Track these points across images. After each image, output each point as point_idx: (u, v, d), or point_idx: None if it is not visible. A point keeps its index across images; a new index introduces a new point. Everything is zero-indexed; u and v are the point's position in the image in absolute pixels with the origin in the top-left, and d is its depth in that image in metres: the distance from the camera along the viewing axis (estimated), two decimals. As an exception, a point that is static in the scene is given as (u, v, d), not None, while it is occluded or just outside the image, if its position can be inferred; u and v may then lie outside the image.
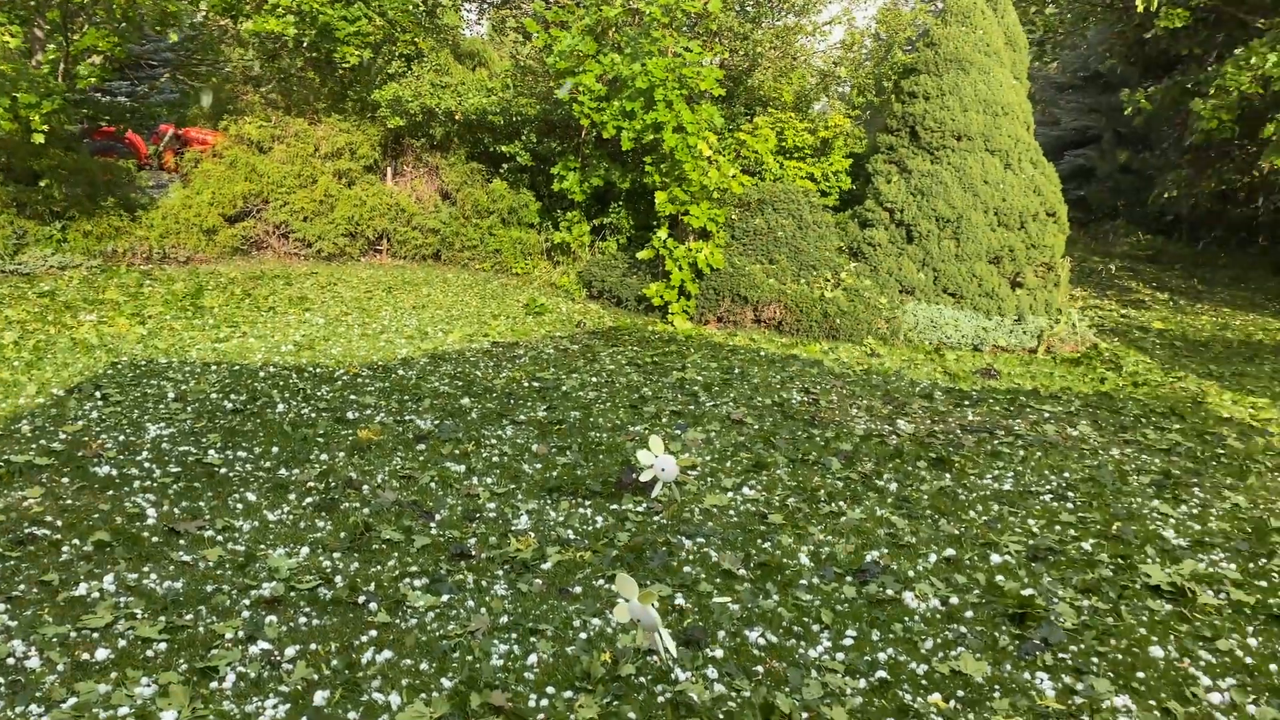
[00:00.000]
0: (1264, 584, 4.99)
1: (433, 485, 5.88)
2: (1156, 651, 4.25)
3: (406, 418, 7.15)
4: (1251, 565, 5.23)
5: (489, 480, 6.00)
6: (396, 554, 4.89)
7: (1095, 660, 4.16)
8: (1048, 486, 6.37)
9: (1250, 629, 4.50)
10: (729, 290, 11.29)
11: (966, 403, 8.50)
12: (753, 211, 11.76)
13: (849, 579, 4.83)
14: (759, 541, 5.24)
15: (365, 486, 5.76)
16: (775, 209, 11.74)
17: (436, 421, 7.09)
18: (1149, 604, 4.69)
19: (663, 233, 11.41)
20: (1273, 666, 4.18)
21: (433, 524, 5.29)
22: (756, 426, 7.38)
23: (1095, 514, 5.89)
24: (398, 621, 4.22)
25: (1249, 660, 4.22)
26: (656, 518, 5.51)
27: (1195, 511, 6.03)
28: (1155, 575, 4.93)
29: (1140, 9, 12.73)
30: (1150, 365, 10.48)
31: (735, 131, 13.41)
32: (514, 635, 4.14)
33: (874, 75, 14.03)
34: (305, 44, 13.23)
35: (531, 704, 3.65)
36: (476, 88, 13.42)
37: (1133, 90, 15.59)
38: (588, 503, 5.70)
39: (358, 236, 13.88)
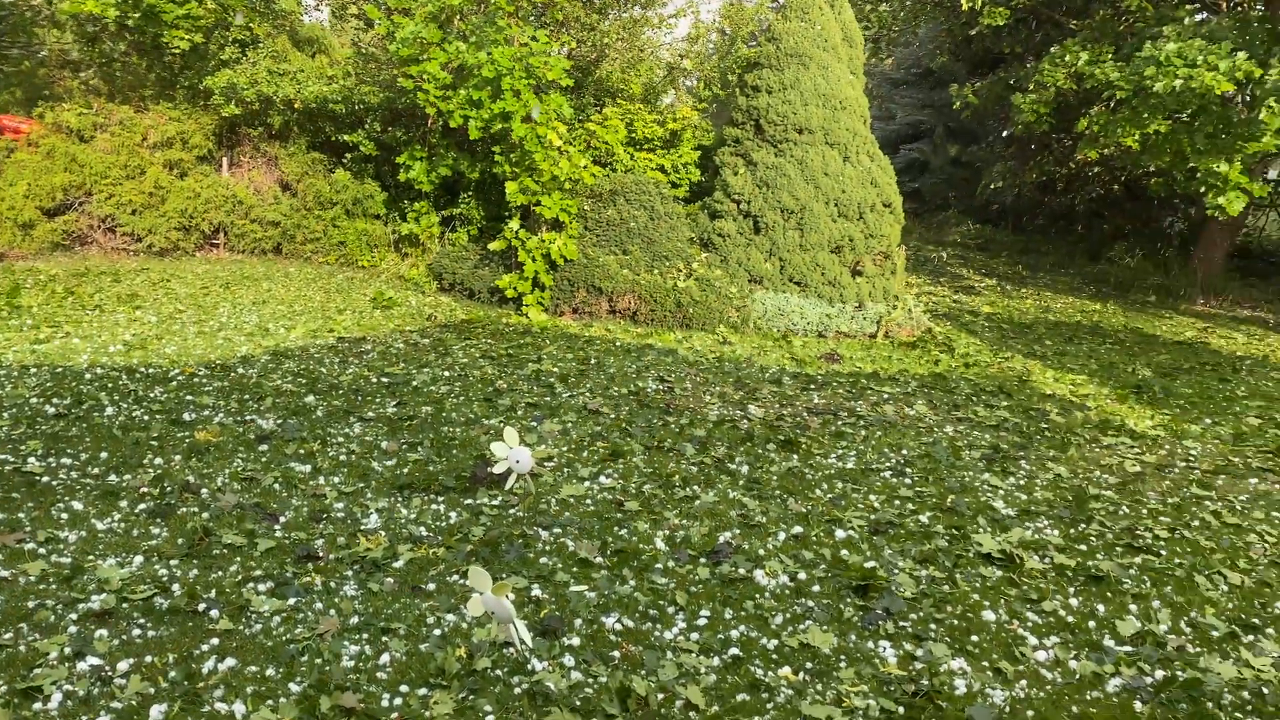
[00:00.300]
0: (1083, 547, 5.36)
1: (277, 486, 5.66)
2: (989, 615, 4.50)
3: (248, 418, 6.87)
4: (1072, 530, 5.60)
5: (336, 479, 5.83)
6: (239, 559, 4.69)
7: (933, 627, 4.37)
8: (887, 464, 6.65)
9: (1071, 590, 4.83)
10: (584, 281, 11.31)
11: (812, 387, 8.79)
12: (605, 202, 11.81)
13: (703, 560, 4.93)
14: (616, 529, 5.28)
15: (204, 490, 5.51)
16: (628, 200, 11.82)
17: (280, 421, 6.84)
18: (981, 571, 4.97)
19: (515, 223, 11.33)
20: (1091, 624, 4.49)
21: (277, 526, 5.10)
22: (613, 416, 7.43)
23: (931, 488, 6.19)
24: (241, 628, 4.05)
25: (1070, 619, 4.53)
26: (512, 511, 5.48)
27: (1022, 482, 6.41)
28: (986, 544, 5.22)
29: (965, 7, 13.41)
30: (980, 347, 11.07)
31: (585, 122, 13.42)
32: (365, 635, 4.04)
33: (719, 69, 14.29)
34: (129, 27, 12.48)
35: (385, 704, 3.58)
36: (316, 75, 12.97)
37: (961, 86, 16.42)
38: (441, 499, 5.61)
39: (192, 230, 13.22)
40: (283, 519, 5.19)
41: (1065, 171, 18.48)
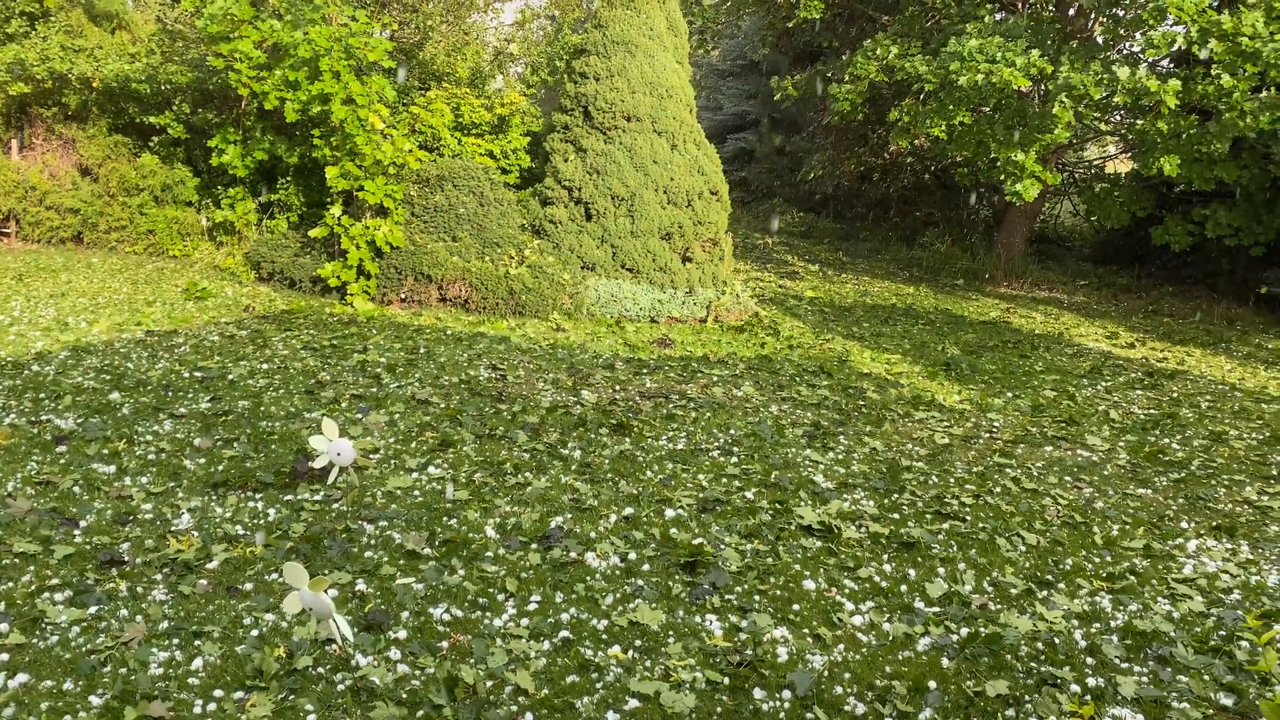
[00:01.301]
0: (896, 516, 5.65)
1: (77, 490, 5.29)
2: (809, 584, 4.68)
3: (43, 417, 6.38)
4: (886, 501, 5.89)
5: (144, 480, 5.49)
6: (33, 567, 4.36)
7: (757, 598, 4.51)
8: (716, 444, 6.82)
9: (885, 556, 5.08)
10: (411, 269, 11.05)
11: (645, 371, 8.90)
12: (433, 188, 11.57)
13: (534, 546, 4.92)
14: (444, 519, 5.20)
15: (-9, 497, 5.08)
16: (456, 185, 11.62)
17: (80, 420, 6.39)
18: (802, 543, 5.16)
19: (336, 209, 10.95)
20: (903, 588, 4.74)
21: (77, 531, 4.77)
22: (443, 405, 7.30)
23: (756, 465, 6.38)
24: (35, 641, 3.77)
25: (884, 584, 4.76)
26: (335, 505, 5.31)
27: (840, 457, 6.70)
28: (808, 516, 5.43)
29: (782, 1, 13.83)
30: (803, 329, 11.48)
31: (410, 106, 13.09)
32: (175, 641, 3.83)
33: (547, 55, 14.22)
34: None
35: (197, 710, 3.40)
36: (117, 53, 12.13)
37: (782, 78, 16.93)
38: (259, 495, 5.38)
39: (-23, 218, 12.17)
40: (83, 524, 4.86)
41: (880, 162, 19.37)
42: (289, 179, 12.70)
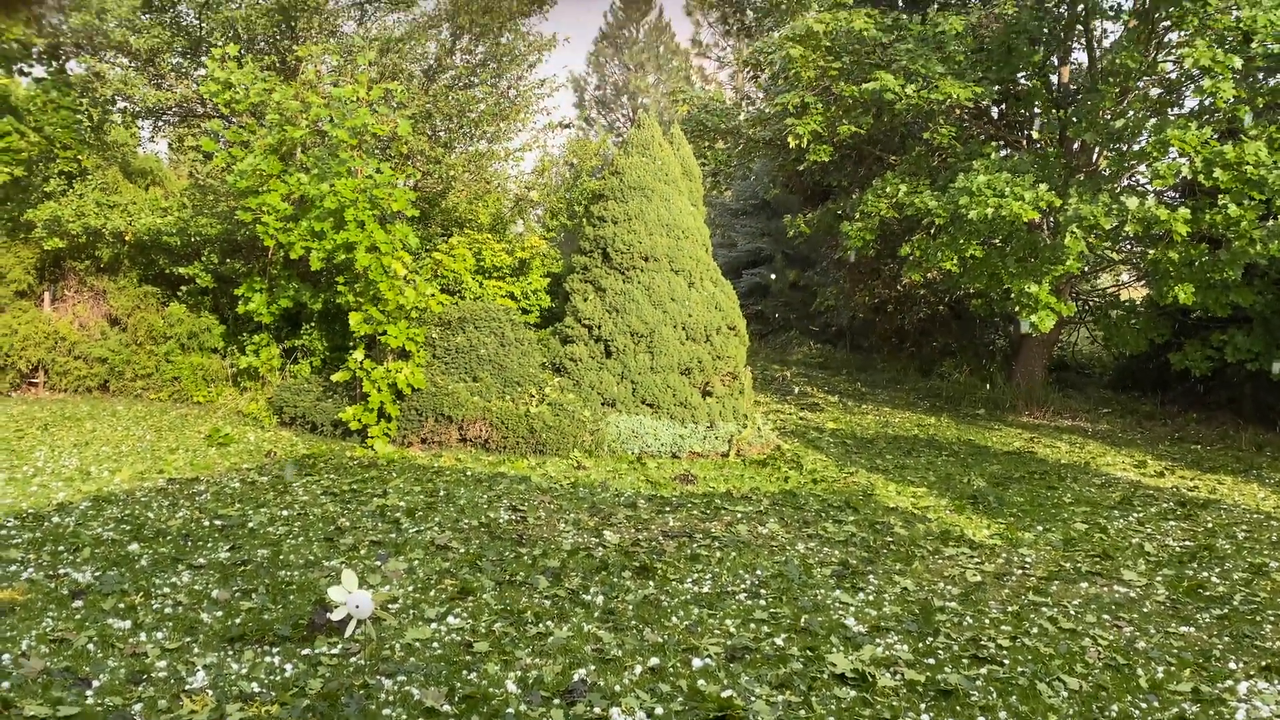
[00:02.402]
0: (931, 661, 5.44)
1: (91, 647, 5.18)
2: (845, 738, 4.47)
3: (61, 571, 6.31)
4: (921, 645, 5.68)
5: (160, 635, 5.38)
6: (41, 734, 4.23)
7: (791, 754, 4.30)
8: (742, 585, 6.65)
9: (923, 706, 4.86)
10: (432, 410, 11.09)
11: (667, 509, 8.78)
12: (454, 329, 11.73)
13: (556, 701, 4.74)
14: (464, 673, 5.04)
15: (5, 657, 4.98)
16: (477, 326, 11.78)
17: (98, 573, 6.32)
18: (836, 692, 4.96)
19: (359, 353, 11.08)
20: (943, 738, 4.52)
21: (89, 692, 4.64)
22: (463, 550, 7.19)
23: (785, 608, 6.20)
24: (39, 816, 3.61)
25: (923, 735, 4.54)
26: (353, 659, 5.17)
27: (871, 598, 6.51)
28: (840, 664, 5.23)
29: (793, 145, 14.26)
30: (826, 463, 11.37)
31: (432, 251, 13.41)
32: (185, 812, 3.67)
33: (565, 200, 14.63)
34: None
35: None
36: (150, 207, 12.57)
37: (794, 216, 17.33)
38: (276, 650, 5.24)
39: (8, 369, 12.39)
40: (95, 683, 4.73)
41: (894, 294, 19.58)
42: (313, 324, 12.93)
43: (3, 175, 11.83)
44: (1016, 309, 13.25)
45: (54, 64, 13.59)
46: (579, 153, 15.24)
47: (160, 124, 14.76)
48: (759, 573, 6.95)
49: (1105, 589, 6.94)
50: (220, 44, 12.91)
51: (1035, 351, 16.84)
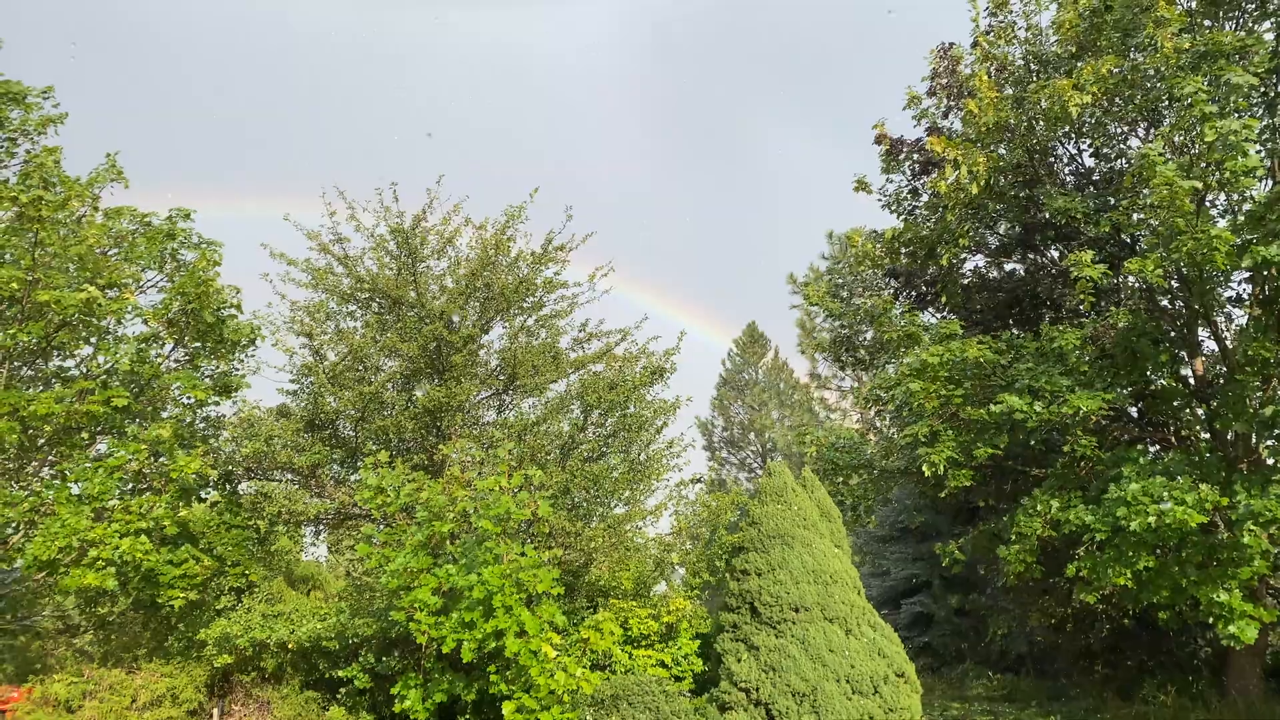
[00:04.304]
0: None
1: None
2: None
3: None
4: None
5: None
6: None
7: None
8: None
9: None
10: (592, 802, 10.57)
11: None
12: (608, 709, 11.44)
13: None
14: None
15: None
16: (631, 704, 11.47)
17: None
18: None
19: (514, 742, 10.83)
20: None
21: None
22: None
23: None
24: None
25: None
26: None
27: None
28: None
29: (928, 473, 14.18)
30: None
31: (580, 626, 13.41)
32: None
33: (706, 556, 14.65)
34: (128, 588, 12.86)
35: None
36: (310, 613, 13.14)
37: (944, 540, 16.82)
38: None
39: (176, 793, 12.52)
40: None
41: (1070, 612, 18.31)
42: (467, 716, 12.80)
43: (180, 600, 12.67)
44: (1210, 619, 12.19)
45: (227, 487, 14.95)
46: (712, 508, 15.47)
47: (320, 529, 15.78)
48: None
49: None
50: (374, 450, 14.06)
51: (1245, 661, 15.21)
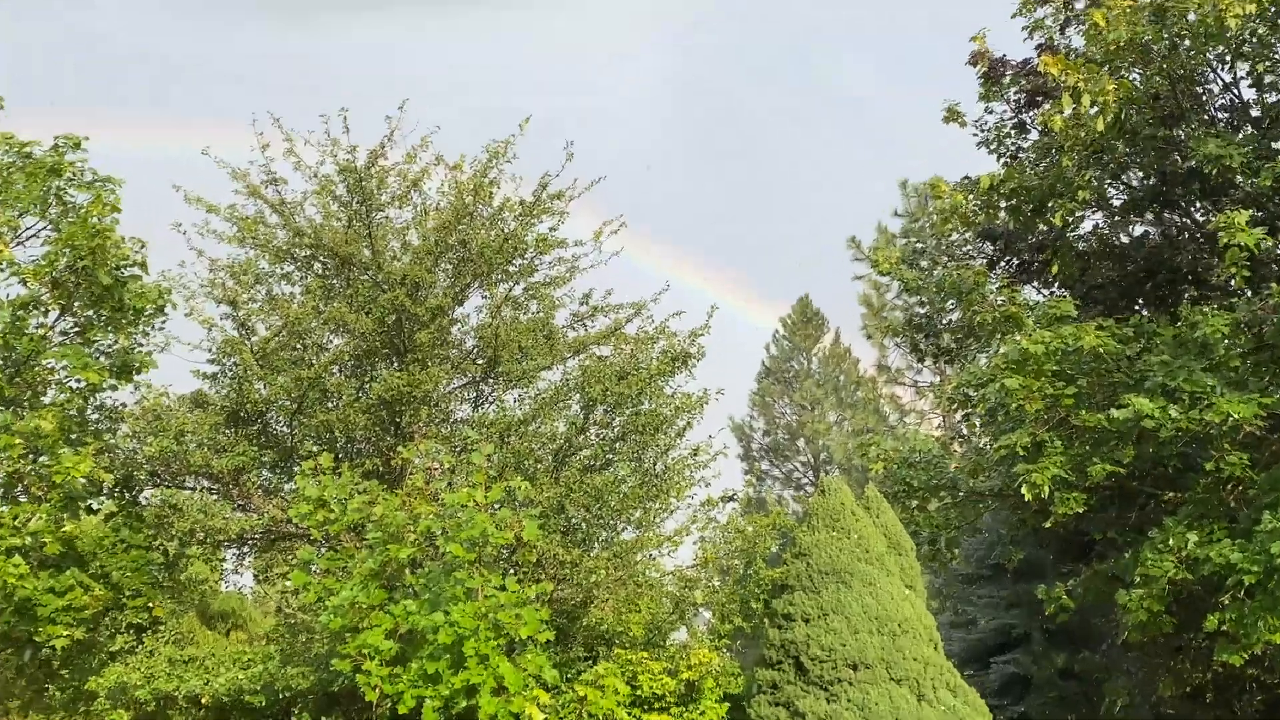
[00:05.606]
0: None
1: None
2: None
3: None
4: None
5: None
6: None
7: None
8: None
9: None
10: None
11: None
12: (608, 790, 11.49)
13: None
14: None
15: None
16: (637, 784, 11.53)
17: None
18: None
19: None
20: None
21: None
22: None
23: None
24: None
25: None
26: None
27: None
28: None
29: (1029, 497, 14.11)
30: None
31: (575, 682, 13.45)
32: None
33: (738, 596, 14.66)
34: (-2, 623, 13.00)
35: None
36: (231, 659, 13.25)
37: (1048, 582, 16.75)
38: None
39: None
40: None
41: (1210, 677, 18.25)
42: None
43: (62, 640, 12.78)
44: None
45: (126, 496, 15.04)
46: (747, 535, 15.45)
47: (245, 551, 15.86)
48: None
49: None
50: (314, 452, 14.08)
51: None
